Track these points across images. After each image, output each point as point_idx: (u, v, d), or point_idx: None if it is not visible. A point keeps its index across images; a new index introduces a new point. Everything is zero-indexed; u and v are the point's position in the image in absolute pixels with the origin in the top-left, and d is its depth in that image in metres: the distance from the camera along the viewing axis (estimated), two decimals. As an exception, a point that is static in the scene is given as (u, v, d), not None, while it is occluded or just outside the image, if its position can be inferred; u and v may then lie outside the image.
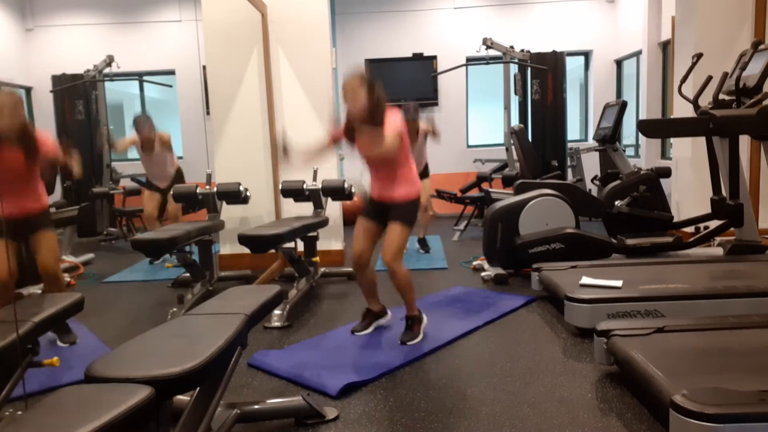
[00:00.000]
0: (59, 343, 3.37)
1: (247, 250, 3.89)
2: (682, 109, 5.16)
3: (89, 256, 6.01)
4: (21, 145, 3.14)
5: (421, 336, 3.25)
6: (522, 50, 7.54)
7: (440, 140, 5.92)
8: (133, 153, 9.80)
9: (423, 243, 5.84)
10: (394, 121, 2.98)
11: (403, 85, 8.79)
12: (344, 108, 3.07)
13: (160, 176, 5.66)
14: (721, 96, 4.20)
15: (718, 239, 4.69)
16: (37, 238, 3.31)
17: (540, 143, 7.35)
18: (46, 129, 8.73)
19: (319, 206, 4.74)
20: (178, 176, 5.76)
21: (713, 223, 4.42)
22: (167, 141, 5.52)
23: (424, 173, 5.81)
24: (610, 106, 5.53)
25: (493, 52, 7.48)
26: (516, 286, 4.36)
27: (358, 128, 3.09)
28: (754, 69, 4.01)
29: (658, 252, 4.58)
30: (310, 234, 4.46)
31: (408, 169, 3.18)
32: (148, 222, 5.72)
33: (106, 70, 7.56)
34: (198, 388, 1.82)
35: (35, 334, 2.23)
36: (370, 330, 3.40)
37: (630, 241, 4.63)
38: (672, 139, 6.60)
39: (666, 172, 5.37)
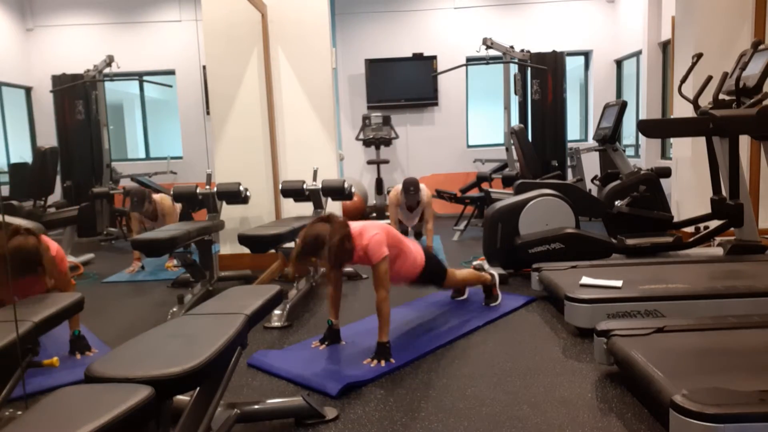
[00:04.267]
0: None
1: (247, 250, 3.89)
2: (682, 109, 5.16)
3: (89, 256, 6.01)
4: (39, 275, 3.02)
5: (500, 298, 3.83)
6: (522, 50, 7.54)
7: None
8: (134, 153, 9.82)
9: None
10: (375, 249, 2.95)
11: (403, 85, 8.79)
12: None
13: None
14: (721, 96, 4.20)
15: (718, 239, 4.69)
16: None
17: (540, 143, 7.35)
18: (46, 129, 8.71)
19: (319, 206, 4.74)
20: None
21: (713, 223, 4.42)
22: (170, 209, 5.35)
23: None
24: (610, 106, 5.53)
25: (493, 52, 7.49)
26: (516, 286, 4.36)
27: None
28: (754, 69, 4.00)
29: (658, 252, 4.58)
30: (310, 234, 4.45)
31: (408, 262, 3.24)
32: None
33: (106, 70, 7.56)
34: (198, 388, 1.82)
35: (35, 334, 2.23)
36: (465, 296, 3.99)
37: (630, 241, 4.63)
38: (672, 139, 6.60)
39: (666, 172, 5.37)
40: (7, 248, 2.76)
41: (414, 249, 3.31)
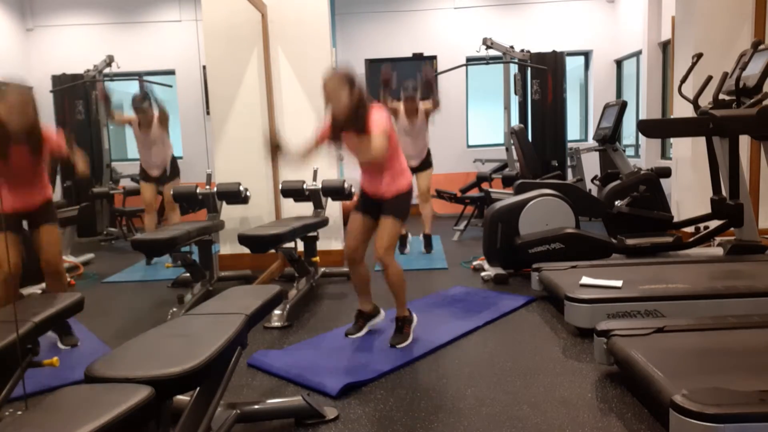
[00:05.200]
0: (60, 345, 3.34)
1: (247, 250, 3.89)
2: (682, 109, 5.16)
3: (89, 256, 6.01)
4: (29, 142, 3.16)
5: (411, 339, 3.20)
6: (522, 50, 7.54)
7: (439, 109, 5.78)
8: (134, 153, 9.81)
9: (428, 241, 5.76)
10: (379, 120, 2.94)
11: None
12: (328, 108, 3.05)
13: (155, 162, 5.71)
14: (721, 96, 4.20)
15: (718, 239, 4.69)
16: (39, 232, 3.30)
17: (540, 143, 7.34)
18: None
19: (319, 206, 4.74)
20: (173, 166, 5.79)
21: (713, 223, 4.42)
22: (166, 119, 5.59)
23: (426, 162, 5.74)
24: (610, 106, 5.53)
25: (493, 52, 7.48)
26: (516, 286, 4.36)
27: (344, 128, 3.06)
28: (754, 69, 4.01)
29: (658, 252, 4.58)
30: (310, 234, 4.46)
31: (397, 162, 3.14)
32: (148, 210, 5.74)
33: (106, 70, 7.56)
34: (198, 388, 1.82)
35: (35, 334, 2.23)
36: (363, 332, 3.33)
37: (630, 241, 4.63)
38: (672, 139, 6.60)
39: (666, 172, 5.37)
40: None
41: (406, 169, 3.22)
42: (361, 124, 2.97)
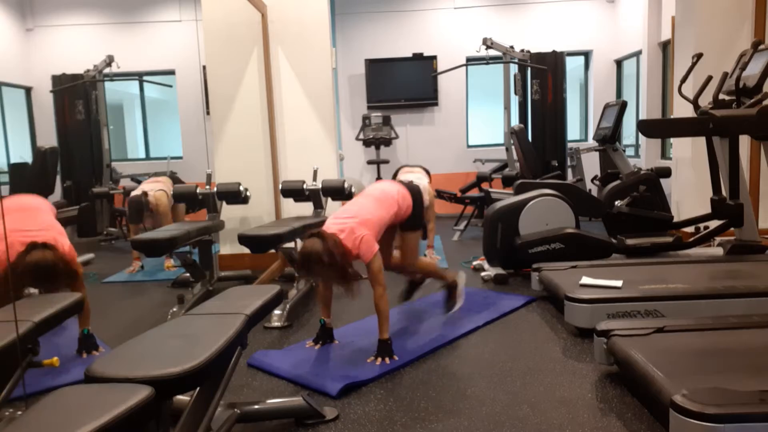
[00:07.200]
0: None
1: (247, 250, 3.89)
2: (682, 109, 5.16)
3: (89, 256, 6.00)
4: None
5: (460, 303, 3.68)
6: (522, 50, 7.54)
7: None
8: (134, 153, 9.81)
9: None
10: (366, 249, 2.93)
11: (403, 85, 8.79)
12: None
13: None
14: (721, 96, 4.20)
15: (718, 239, 4.69)
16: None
17: (540, 143, 7.35)
18: (46, 129, 8.67)
19: (319, 206, 4.74)
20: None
21: (713, 223, 4.42)
22: (164, 203, 5.34)
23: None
24: (610, 106, 5.53)
25: (493, 52, 7.49)
26: (516, 286, 4.36)
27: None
28: (754, 69, 4.01)
29: (658, 252, 4.58)
30: (310, 234, 4.46)
31: (397, 214, 3.26)
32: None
33: (106, 70, 7.56)
34: (198, 388, 1.82)
35: (35, 334, 2.23)
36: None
37: (630, 241, 4.63)
38: (672, 139, 6.60)
39: (666, 172, 5.37)
40: (25, 263, 2.79)
41: (401, 203, 3.25)
42: (351, 256, 2.95)
